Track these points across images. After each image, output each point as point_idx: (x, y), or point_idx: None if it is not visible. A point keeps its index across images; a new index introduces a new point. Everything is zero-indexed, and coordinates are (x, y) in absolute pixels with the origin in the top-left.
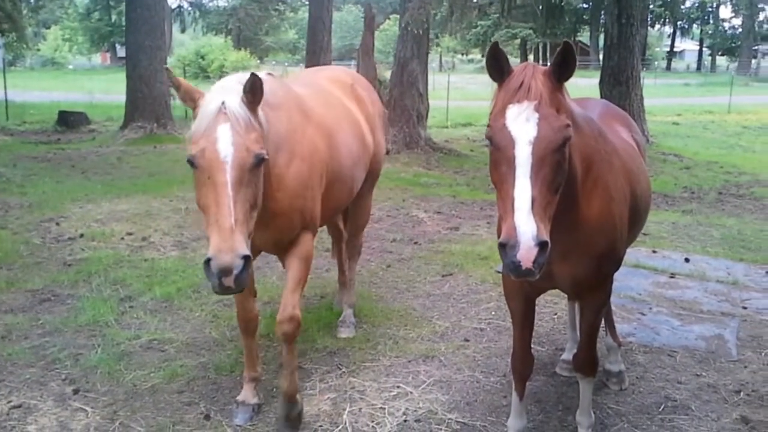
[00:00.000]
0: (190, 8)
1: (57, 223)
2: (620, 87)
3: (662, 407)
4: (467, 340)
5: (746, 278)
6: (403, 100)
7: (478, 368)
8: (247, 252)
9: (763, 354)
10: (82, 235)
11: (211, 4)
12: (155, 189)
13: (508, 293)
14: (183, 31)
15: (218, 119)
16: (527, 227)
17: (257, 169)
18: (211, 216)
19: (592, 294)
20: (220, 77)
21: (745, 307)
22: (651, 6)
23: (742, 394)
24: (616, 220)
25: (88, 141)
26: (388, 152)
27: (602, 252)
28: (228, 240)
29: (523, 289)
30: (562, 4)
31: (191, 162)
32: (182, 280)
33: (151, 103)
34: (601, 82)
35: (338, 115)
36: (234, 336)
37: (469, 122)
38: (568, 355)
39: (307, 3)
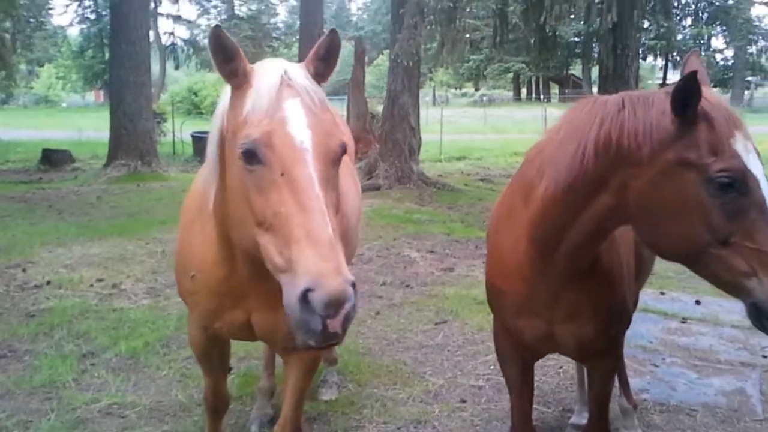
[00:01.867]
0: (183, 45)
1: (24, 269)
2: None
3: None
4: (464, 401)
5: None
6: (395, 134)
7: None
8: (352, 278)
9: None
10: (48, 282)
11: (205, 41)
12: (132, 230)
13: (502, 358)
14: (177, 68)
15: (282, 93)
16: None
17: (338, 167)
18: (293, 228)
19: (601, 359)
20: (212, 114)
21: (765, 356)
22: (643, 39)
23: None
24: (624, 270)
25: (70, 180)
26: (379, 188)
27: (611, 308)
28: (331, 258)
29: (519, 354)
30: (556, 34)
31: (250, 153)
32: (151, 332)
33: (135, 139)
34: None
35: None
36: (202, 399)
37: (463, 156)
38: (577, 419)
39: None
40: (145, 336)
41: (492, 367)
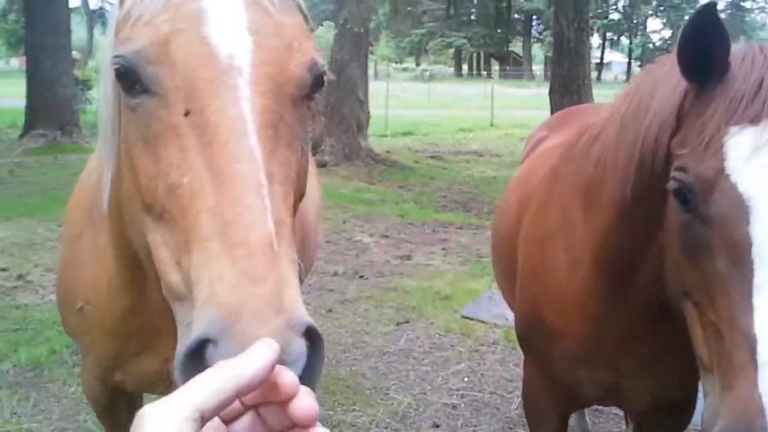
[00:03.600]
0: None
1: None
2: (571, 96)
3: None
4: (437, 426)
5: None
6: (342, 107)
7: None
8: (309, 319)
9: None
10: None
11: None
12: (45, 210)
13: (537, 415)
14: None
15: None
16: None
17: (305, 106)
18: (199, 215)
19: (674, 415)
20: None
21: None
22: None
23: None
24: None
25: None
26: (325, 165)
27: None
28: (265, 277)
29: (562, 409)
30: (506, 7)
31: (128, 74)
32: (59, 336)
33: (55, 108)
34: (551, 92)
35: None
36: None
37: (410, 131)
38: None
39: None
40: (51, 341)
41: (465, 379)
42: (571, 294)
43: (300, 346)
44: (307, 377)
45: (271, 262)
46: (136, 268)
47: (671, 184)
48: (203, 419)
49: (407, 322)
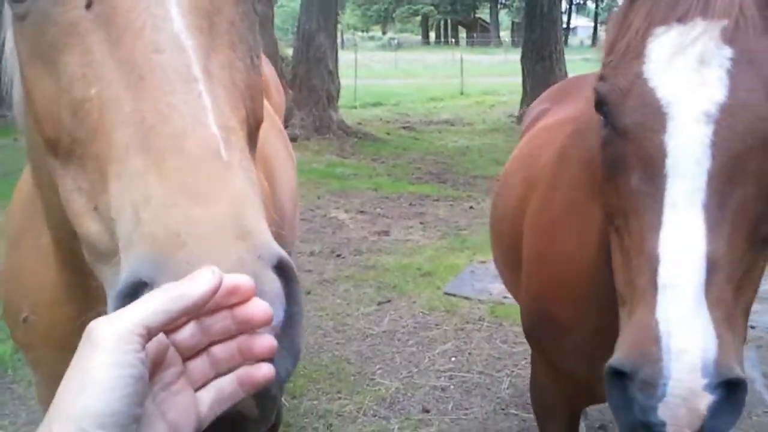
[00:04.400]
0: None
1: None
2: (543, 62)
3: None
4: (427, 411)
5: None
6: (311, 80)
7: None
8: (282, 251)
9: None
10: None
11: None
12: (4, 196)
13: (546, 412)
14: None
15: None
16: (692, 336)
17: (249, 4)
18: (117, 128)
19: None
20: None
21: (753, 326)
22: None
23: None
24: None
25: None
26: (296, 139)
27: None
28: (215, 192)
29: (571, 405)
30: None
31: None
32: None
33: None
34: (523, 58)
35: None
36: None
37: (379, 102)
38: None
39: None
40: None
41: (453, 359)
42: (579, 281)
43: (275, 282)
44: (288, 329)
45: (220, 175)
46: (78, 265)
47: (596, 92)
48: (149, 335)
49: (389, 301)
